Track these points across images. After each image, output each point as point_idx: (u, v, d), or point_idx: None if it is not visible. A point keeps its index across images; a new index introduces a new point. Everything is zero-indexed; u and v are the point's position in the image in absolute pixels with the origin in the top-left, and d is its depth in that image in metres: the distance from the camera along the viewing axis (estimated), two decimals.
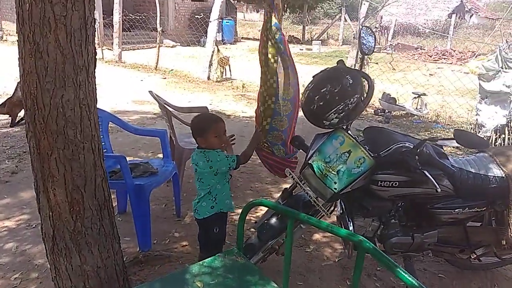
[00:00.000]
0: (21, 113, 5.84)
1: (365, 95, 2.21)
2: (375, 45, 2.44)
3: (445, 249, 2.62)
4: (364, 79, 2.24)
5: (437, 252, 2.65)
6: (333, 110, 2.14)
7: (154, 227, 3.08)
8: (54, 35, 1.74)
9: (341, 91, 2.13)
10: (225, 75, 10.38)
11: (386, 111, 7.37)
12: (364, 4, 8.34)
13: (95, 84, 2.02)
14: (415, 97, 7.67)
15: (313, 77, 2.32)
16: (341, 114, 2.16)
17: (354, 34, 9.30)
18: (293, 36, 22.25)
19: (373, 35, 2.46)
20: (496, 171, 2.42)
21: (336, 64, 2.40)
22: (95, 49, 1.94)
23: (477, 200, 2.41)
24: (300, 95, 2.45)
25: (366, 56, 2.53)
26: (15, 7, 1.78)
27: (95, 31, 1.93)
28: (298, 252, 3.03)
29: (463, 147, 5.47)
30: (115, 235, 2.26)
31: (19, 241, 3.03)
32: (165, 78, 10.15)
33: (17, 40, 1.81)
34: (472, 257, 2.63)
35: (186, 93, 8.67)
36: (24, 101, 1.89)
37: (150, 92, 3.94)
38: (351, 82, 2.14)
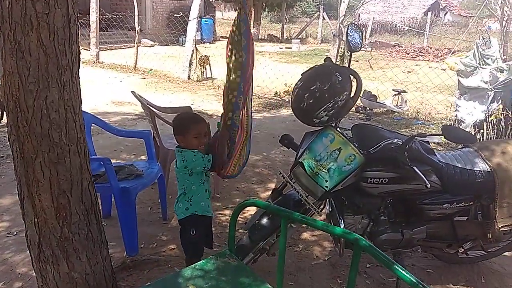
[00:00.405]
0: None
1: (353, 92, 2.21)
2: (362, 42, 2.45)
3: (434, 244, 2.65)
4: (352, 76, 2.24)
5: (426, 247, 2.68)
6: (322, 108, 2.13)
7: (140, 230, 3.02)
8: (36, 34, 1.68)
9: (330, 88, 2.12)
10: (206, 74, 10.32)
11: (367, 108, 7.44)
12: (343, 2, 8.40)
13: (80, 85, 1.95)
14: (395, 94, 7.77)
15: (302, 74, 2.30)
16: (331, 112, 2.15)
17: (333, 32, 9.36)
18: (272, 35, 22.30)
19: (360, 32, 2.46)
20: (482, 166, 2.46)
21: (323, 62, 2.39)
22: (79, 48, 1.87)
23: (464, 195, 2.44)
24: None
25: (348, 54, 2.52)
26: None
27: (78, 29, 1.86)
28: (288, 252, 3.00)
29: (444, 143, 5.60)
30: (103, 240, 2.20)
31: (0, 249, 2.92)
32: (144, 78, 10.02)
33: None
34: (460, 251, 2.67)
35: (167, 93, 8.57)
36: (5, 104, 1.82)
37: (133, 92, 3.87)
38: (340, 79, 2.13)
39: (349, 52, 2.43)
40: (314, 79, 2.19)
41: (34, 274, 2.19)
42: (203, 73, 10.23)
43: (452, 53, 12.69)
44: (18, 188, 1.97)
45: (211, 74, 10.47)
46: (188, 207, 2.38)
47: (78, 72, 1.93)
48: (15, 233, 3.12)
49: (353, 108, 7.51)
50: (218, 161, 2.43)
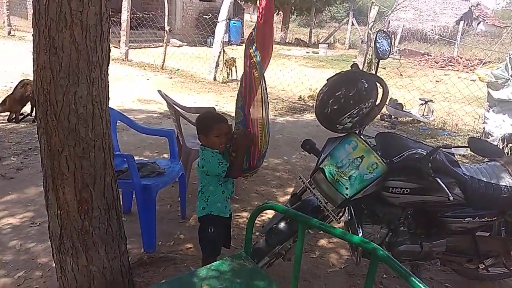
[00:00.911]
0: (23, 110, 5.84)
1: (379, 100, 2.19)
2: (390, 49, 2.42)
3: (453, 258, 2.59)
4: (378, 84, 2.21)
5: (445, 261, 2.62)
6: (347, 114, 2.12)
7: (159, 228, 3.06)
8: (69, 31, 1.73)
9: (356, 95, 2.10)
10: (231, 76, 10.37)
11: (393, 117, 7.34)
12: (373, 8, 8.31)
13: (108, 82, 2.00)
14: (422, 104, 7.64)
15: (327, 80, 2.29)
16: (355, 119, 2.13)
17: (361, 38, 9.27)
18: (299, 39, 22.24)
19: (389, 39, 2.43)
20: (508, 180, 2.39)
21: (349, 68, 2.38)
22: (109, 46, 1.92)
23: (487, 209, 2.38)
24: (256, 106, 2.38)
25: (376, 61, 2.50)
26: (32, 1, 1.76)
27: (110, 27, 1.91)
28: (304, 258, 2.99)
29: (469, 155, 5.47)
30: (122, 235, 2.24)
31: (23, 238, 3.01)
32: (171, 77, 10.15)
33: (32, 35, 1.79)
34: (481, 267, 2.60)
35: (192, 93, 8.66)
36: (36, 97, 1.87)
37: (159, 91, 3.92)
38: (366, 86, 2.11)
39: (377, 59, 2.41)
40: (339, 85, 2.17)
41: (54, 265, 2.24)
42: (229, 74, 10.29)
43: (483, 64, 12.39)
44: (43, 180, 2.02)
45: (237, 76, 10.51)
46: (205, 206, 2.40)
47: (107, 69, 1.97)
48: (38, 223, 3.21)
49: (378, 116, 7.47)
50: (234, 171, 2.41)
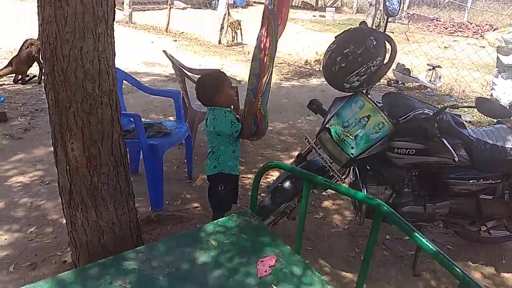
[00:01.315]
0: (29, 71, 5.82)
1: (387, 58, 2.16)
2: (400, 7, 2.36)
3: (456, 220, 2.62)
4: (387, 42, 2.17)
5: (447, 223, 2.65)
6: (355, 72, 2.10)
7: (166, 188, 3.10)
8: None
9: (364, 52, 2.07)
10: (236, 39, 10.22)
11: (400, 82, 7.25)
12: None
13: (114, 38, 1.98)
14: (429, 69, 7.52)
15: (336, 37, 2.26)
16: (363, 77, 2.11)
17: (369, 1, 9.05)
18: (306, 2, 21.70)
19: None
20: None
21: (358, 25, 2.34)
22: (114, 0, 1.89)
23: (492, 172, 2.39)
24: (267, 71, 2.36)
25: (384, 20, 2.45)
26: None
27: None
28: (308, 218, 3.02)
29: (475, 122, 5.43)
30: (130, 192, 2.27)
31: (33, 196, 3.07)
32: (175, 40, 10.01)
33: None
34: (483, 229, 2.63)
35: (196, 56, 8.57)
36: (42, 52, 1.86)
37: (164, 51, 3.88)
38: (374, 44, 2.08)
39: (386, 17, 2.36)
40: (348, 42, 2.14)
41: (64, 221, 2.30)
42: (234, 38, 10.13)
43: (494, 30, 12.11)
44: (52, 136, 2.04)
45: (242, 39, 10.35)
46: (216, 165, 2.42)
47: (113, 24, 1.95)
48: (47, 182, 3.26)
49: (385, 81, 7.40)
50: (245, 132, 2.42)
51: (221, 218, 2.12)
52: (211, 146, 2.44)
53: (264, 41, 2.37)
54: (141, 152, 3.15)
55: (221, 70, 4.29)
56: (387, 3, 2.31)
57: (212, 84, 2.39)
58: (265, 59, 2.38)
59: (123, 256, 1.78)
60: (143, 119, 2.90)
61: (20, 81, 5.71)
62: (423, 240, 1.46)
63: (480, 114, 5.55)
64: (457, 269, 1.32)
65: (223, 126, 2.35)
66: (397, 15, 2.34)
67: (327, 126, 2.22)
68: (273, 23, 2.29)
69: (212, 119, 2.35)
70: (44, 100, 4.87)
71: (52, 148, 2.10)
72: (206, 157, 2.48)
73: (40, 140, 3.99)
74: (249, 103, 2.46)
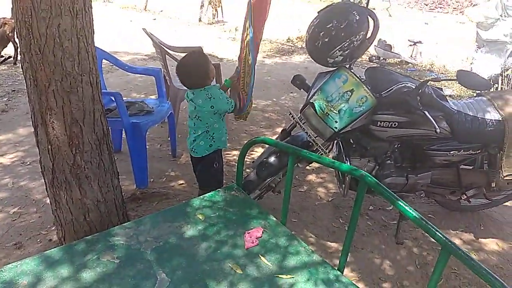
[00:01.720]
0: (4, 52, 5.65)
1: (370, 33, 2.16)
2: None
3: (437, 190, 2.69)
4: (369, 17, 2.17)
5: (429, 193, 2.72)
6: (338, 47, 2.10)
7: (150, 166, 3.09)
8: None
9: (347, 27, 2.07)
10: (217, 17, 10.08)
11: (381, 58, 7.30)
12: None
13: (92, 15, 1.93)
14: (410, 45, 7.58)
15: (318, 12, 2.24)
16: (346, 52, 2.12)
17: None
18: None
19: None
20: (493, 114, 2.43)
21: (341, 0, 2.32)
22: None
23: (472, 143, 2.44)
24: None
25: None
26: None
27: None
28: (293, 192, 3.08)
29: (456, 96, 5.52)
30: (114, 170, 2.26)
31: (15, 177, 3.02)
32: (155, 19, 9.83)
33: None
34: (462, 198, 2.70)
35: (176, 35, 8.42)
36: (17, 30, 1.81)
37: (144, 29, 3.81)
38: (357, 18, 2.08)
39: None
40: (330, 17, 2.13)
41: (48, 200, 2.28)
42: (214, 15, 9.99)
43: (474, 6, 12.19)
44: (31, 116, 2.00)
45: (223, 16, 10.22)
46: (212, 144, 2.42)
47: (91, 1, 1.90)
48: (28, 163, 3.21)
49: (367, 57, 7.43)
50: (237, 107, 2.48)
51: (207, 193, 2.13)
52: (204, 126, 2.39)
53: (246, 23, 2.36)
54: (123, 131, 3.11)
55: (203, 49, 4.24)
56: None
57: (200, 70, 2.34)
58: (245, 37, 2.36)
59: (110, 232, 1.78)
60: (124, 98, 2.86)
61: None
62: (406, 208, 1.50)
63: (461, 88, 5.68)
64: (439, 235, 1.36)
65: (221, 103, 2.35)
66: None
67: (311, 101, 2.23)
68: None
69: (208, 98, 2.32)
70: (21, 81, 4.76)
71: (32, 129, 2.07)
72: (194, 139, 2.43)
73: (19, 121, 3.91)
74: (234, 80, 2.50)
